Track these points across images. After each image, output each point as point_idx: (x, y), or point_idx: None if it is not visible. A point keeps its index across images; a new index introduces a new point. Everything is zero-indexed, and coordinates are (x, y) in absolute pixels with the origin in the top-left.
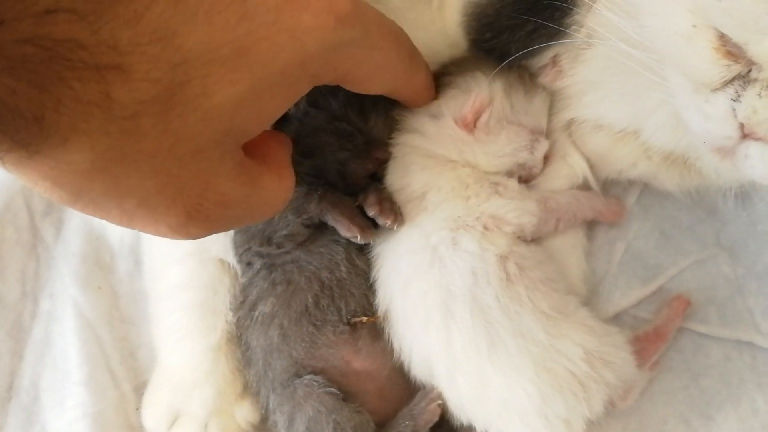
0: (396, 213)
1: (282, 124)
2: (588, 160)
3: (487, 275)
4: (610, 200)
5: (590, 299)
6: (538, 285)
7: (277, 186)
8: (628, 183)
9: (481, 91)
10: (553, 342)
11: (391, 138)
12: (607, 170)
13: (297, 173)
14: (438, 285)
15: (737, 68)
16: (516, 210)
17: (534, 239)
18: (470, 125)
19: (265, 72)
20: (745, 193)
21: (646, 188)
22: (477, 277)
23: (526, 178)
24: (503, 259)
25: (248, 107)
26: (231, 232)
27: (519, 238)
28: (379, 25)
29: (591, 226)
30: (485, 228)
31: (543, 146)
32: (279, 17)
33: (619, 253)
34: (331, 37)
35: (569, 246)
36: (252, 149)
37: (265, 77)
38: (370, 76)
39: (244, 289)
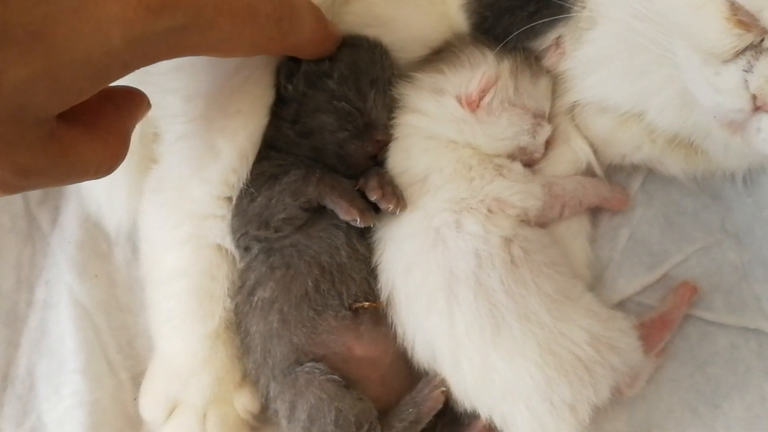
0: (398, 197)
1: (280, 106)
2: (592, 145)
3: (491, 258)
4: (615, 187)
5: (594, 286)
6: (542, 268)
7: (99, 155)
8: (632, 168)
9: (489, 69)
10: (557, 325)
11: (392, 118)
12: (611, 155)
13: (295, 156)
14: (441, 268)
15: (749, 37)
16: (520, 193)
17: (538, 225)
18: (474, 104)
19: (64, 57)
20: (751, 178)
21: (650, 174)
22: (481, 259)
23: (527, 163)
24: (508, 241)
25: (45, 88)
26: (229, 218)
27: (523, 222)
28: (216, 4)
29: (595, 212)
30: (489, 210)
31: (545, 131)
32: (82, 4)
33: (624, 239)
34: (140, 28)
35: (573, 232)
36: (78, 115)
37: (64, 62)
38: (215, 50)
39: (243, 274)
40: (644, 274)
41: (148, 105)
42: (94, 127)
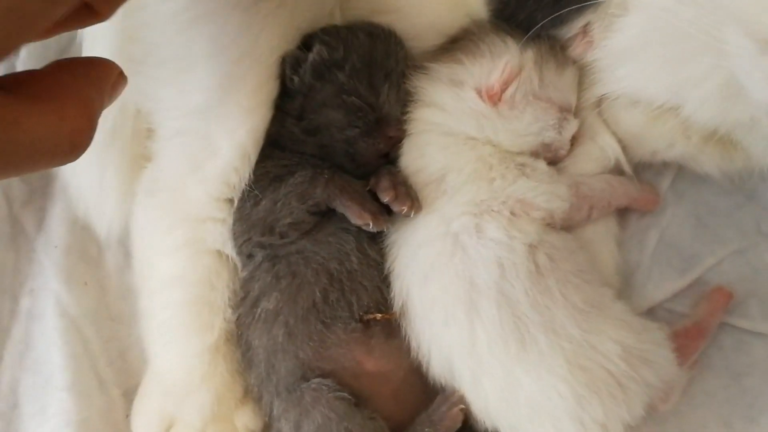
0: (412, 198)
1: (285, 100)
2: (620, 141)
3: (515, 267)
4: (644, 186)
5: (621, 292)
6: (569, 277)
7: (54, 130)
8: (662, 166)
9: (512, 59)
10: (587, 338)
11: (405, 113)
12: (640, 152)
13: (301, 155)
14: (460, 277)
15: None
16: (546, 194)
17: (564, 228)
18: (496, 97)
19: None
20: None
21: (681, 171)
22: (504, 268)
23: (551, 161)
24: (533, 249)
25: None
26: (229, 221)
27: (549, 225)
28: None
29: (622, 213)
30: (512, 213)
31: (572, 126)
32: None
33: (653, 242)
34: None
35: (601, 235)
36: (23, 85)
37: None
38: None
39: (245, 284)
40: (675, 279)
41: (122, 77)
42: (45, 99)
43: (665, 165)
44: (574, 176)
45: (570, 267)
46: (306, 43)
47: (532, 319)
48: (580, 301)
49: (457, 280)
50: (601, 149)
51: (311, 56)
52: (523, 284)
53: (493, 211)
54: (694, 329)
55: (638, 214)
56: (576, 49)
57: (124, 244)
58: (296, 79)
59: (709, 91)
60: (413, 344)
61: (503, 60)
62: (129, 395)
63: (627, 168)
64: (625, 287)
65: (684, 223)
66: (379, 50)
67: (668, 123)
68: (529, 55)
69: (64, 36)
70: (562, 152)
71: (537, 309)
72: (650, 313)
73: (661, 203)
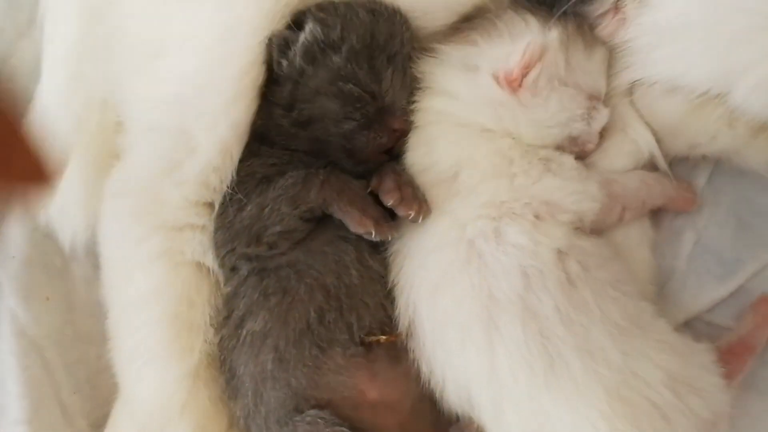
0: (420, 201)
1: (272, 88)
2: (655, 134)
3: (543, 276)
4: (681, 184)
5: (655, 303)
6: (606, 289)
7: None
8: (699, 160)
9: (535, 39)
10: (628, 362)
11: (412, 103)
12: (677, 145)
13: (291, 151)
14: (477, 289)
15: None
16: (575, 194)
17: (593, 232)
18: (516, 83)
19: None
20: None
21: (719, 166)
22: (529, 278)
23: (577, 156)
24: (562, 255)
25: None
26: (210, 229)
27: (578, 229)
28: None
29: (654, 213)
30: (537, 216)
31: (602, 116)
32: None
33: (689, 245)
34: None
35: (634, 240)
36: None
37: None
38: None
39: (229, 301)
40: (714, 287)
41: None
42: None
43: (702, 159)
44: (604, 173)
45: (606, 276)
46: (297, 21)
47: (564, 339)
48: (620, 318)
49: (474, 293)
50: (633, 142)
51: (303, 36)
52: (553, 297)
53: (514, 213)
54: (739, 346)
55: (672, 214)
56: (607, 28)
57: (93, 254)
58: (285, 63)
59: (762, 77)
60: (423, 369)
61: (524, 40)
62: (97, 427)
63: (662, 163)
64: (658, 297)
65: (723, 224)
66: (382, 30)
67: (712, 113)
68: (554, 34)
69: (23, 11)
70: (590, 146)
71: (569, 327)
72: (687, 327)
73: (699, 202)
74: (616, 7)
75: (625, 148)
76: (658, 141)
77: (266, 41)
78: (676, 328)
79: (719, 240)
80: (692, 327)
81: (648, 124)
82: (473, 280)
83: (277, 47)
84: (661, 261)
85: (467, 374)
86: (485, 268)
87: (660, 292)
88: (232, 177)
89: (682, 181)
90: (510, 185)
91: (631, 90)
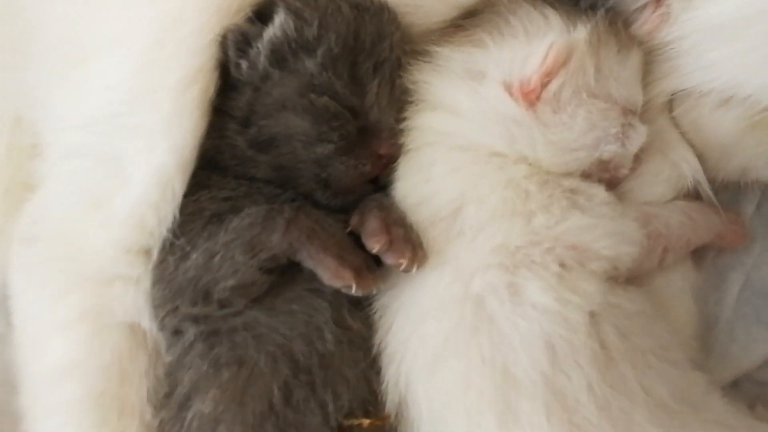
0: (414, 245)
1: (227, 97)
2: (700, 156)
3: (573, 348)
4: (729, 216)
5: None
6: (650, 359)
7: None
8: (746, 186)
9: (558, 40)
10: None
11: (402, 120)
12: (726, 169)
13: (250, 180)
14: (488, 364)
15: None
16: (609, 236)
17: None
18: (533, 95)
19: None
20: None
21: (766, 192)
22: (555, 351)
23: (607, 183)
24: (595, 318)
25: None
26: (147, 283)
27: (611, 278)
28: None
29: (695, 251)
30: (562, 266)
31: (639, 134)
32: None
33: (735, 288)
34: None
35: (676, 287)
36: None
37: None
38: None
39: (171, 373)
40: (766, 339)
41: None
42: None
43: (750, 184)
44: (641, 207)
45: (649, 344)
46: (261, 12)
47: (601, 428)
48: (668, 396)
49: (484, 369)
50: (675, 167)
51: (270, 31)
52: (586, 375)
53: (534, 262)
54: None
55: (715, 251)
56: (646, 25)
57: (6, 306)
58: (244, 64)
59: None
60: None
61: (544, 41)
62: None
63: (709, 192)
64: (699, 354)
65: None
66: (368, 29)
67: None
68: (582, 34)
69: None
70: (624, 171)
71: (607, 413)
72: (734, 388)
73: (749, 237)
74: (658, 1)
75: (665, 174)
76: (702, 164)
77: (219, 39)
78: (724, 388)
79: None
80: (740, 387)
81: (690, 145)
82: (483, 352)
83: (234, 45)
84: (702, 307)
85: None
86: (498, 336)
87: (702, 344)
88: (174, 216)
89: (728, 212)
90: (526, 226)
91: (671, 103)
